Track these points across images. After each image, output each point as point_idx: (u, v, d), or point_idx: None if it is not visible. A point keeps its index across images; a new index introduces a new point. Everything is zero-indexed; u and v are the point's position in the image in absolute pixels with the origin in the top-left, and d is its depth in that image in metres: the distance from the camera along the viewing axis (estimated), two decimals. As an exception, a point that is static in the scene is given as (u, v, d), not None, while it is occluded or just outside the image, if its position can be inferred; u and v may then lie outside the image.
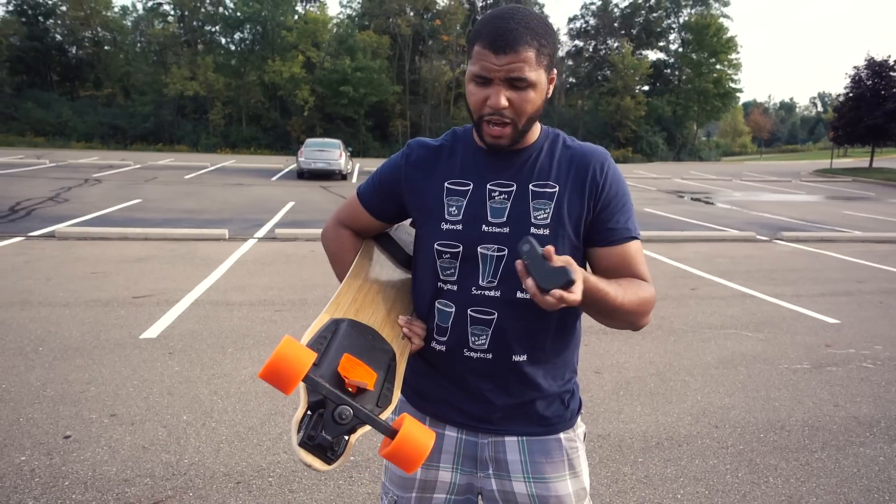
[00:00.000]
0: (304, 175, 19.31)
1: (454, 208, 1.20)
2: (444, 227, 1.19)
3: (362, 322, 1.19)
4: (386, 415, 1.06)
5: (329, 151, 19.47)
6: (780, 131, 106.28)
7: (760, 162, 50.35)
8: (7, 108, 37.22)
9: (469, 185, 1.20)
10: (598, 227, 1.19)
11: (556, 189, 1.18)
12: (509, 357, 1.20)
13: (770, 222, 12.23)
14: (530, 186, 1.18)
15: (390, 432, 0.98)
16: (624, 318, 1.14)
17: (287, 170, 22.54)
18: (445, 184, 1.22)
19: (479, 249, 1.17)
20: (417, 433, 0.98)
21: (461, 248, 1.18)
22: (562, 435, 1.27)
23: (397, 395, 1.12)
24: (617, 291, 1.09)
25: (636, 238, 1.22)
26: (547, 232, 1.16)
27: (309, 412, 0.99)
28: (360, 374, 1.05)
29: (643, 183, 22.43)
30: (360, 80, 38.53)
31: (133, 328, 4.57)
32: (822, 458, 3.03)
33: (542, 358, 1.23)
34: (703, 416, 3.47)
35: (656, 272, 7.21)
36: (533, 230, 1.16)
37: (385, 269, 1.38)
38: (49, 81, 42.95)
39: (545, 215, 1.17)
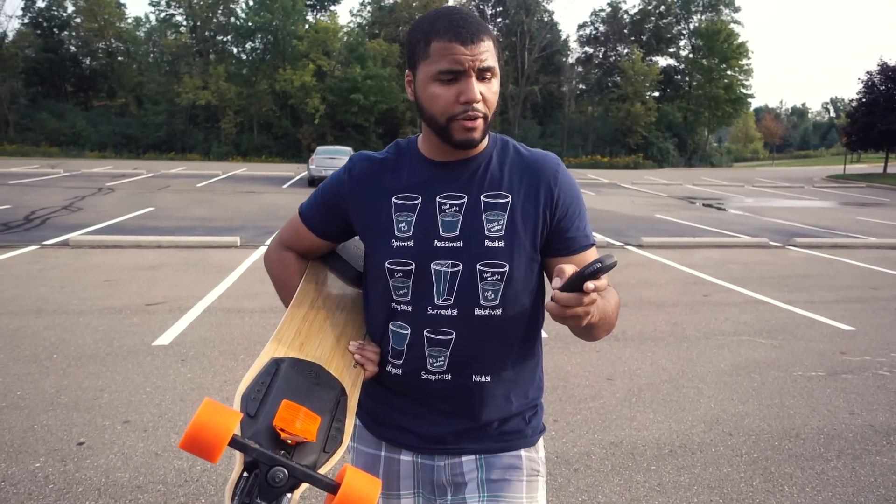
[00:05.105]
0: (315, 182, 19.42)
1: (404, 224, 1.13)
2: (395, 244, 1.13)
3: (306, 358, 1.11)
4: (337, 457, 1.00)
5: (340, 159, 19.57)
6: (793, 137, 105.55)
7: (772, 168, 50.01)
8: (22, 118, 37.77)
9: (417, 198, 1.14)
10: (557, 237, 1.15)
11: (510, 199, 1.12)
12: (469, 378, 1.15)
13: (783, 228, 12.14)
14: (482, 197, 1.12)
15: (331, 488, 0.90)
16: (606, 326, 1.09)
17: (298, 177, 22.68)
18: (393, 199, 1.15)
19: (432, 266, 1.11)
20: (361, 486, 0.89)
21: (414, 266, 1.12)
22: (522, 452, 1.21)
23: (349, 431, 1.05)
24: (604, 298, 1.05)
25: (594, 244, 1.19)
26: (502, 244, 1.11)
27: (245, 473, 0.91)
28: (300, 422, 0.96)
29: (654, 189, 22.35)
30: (371, 88, 38.72)
31: (146, 335, 4.60)
32: (838, 467, 2.99)
33: (504, 377, 1.17)
34: (717, 423, 3.44)
35: (668, 278, 7.17)
36: (487, 243, 1.11)
37: (334, 290, 1.30)
38: (63, 92, 43.53)
39: (499, 227, 1.11)
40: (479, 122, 1.06)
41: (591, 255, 1.16)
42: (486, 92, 1.06)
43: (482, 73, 1.05)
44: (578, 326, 0.96)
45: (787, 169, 45.61)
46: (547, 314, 1.20)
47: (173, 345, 4.43)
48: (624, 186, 23.19)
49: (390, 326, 1.17)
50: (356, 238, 1.30)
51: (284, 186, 19.43)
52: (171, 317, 5.07)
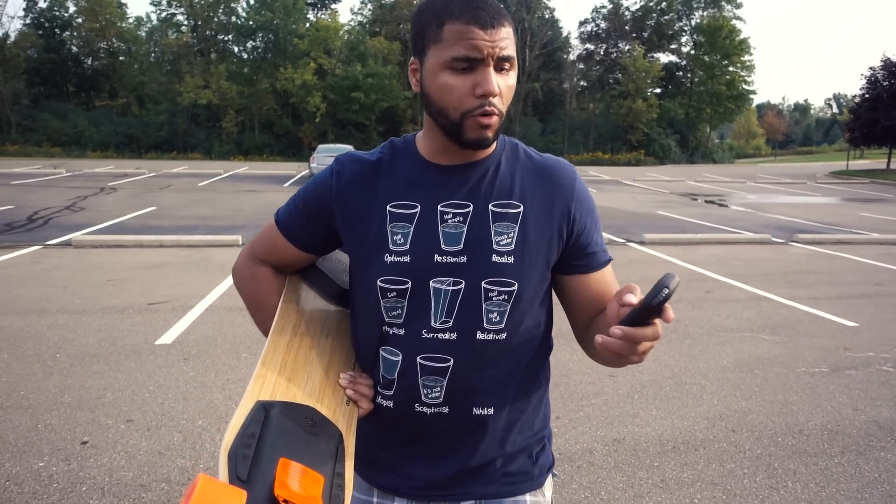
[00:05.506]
0: (317, 181, 19.43)
1: (399, 236, 0.99)
2: (389, 259, 0.99)
3: (297, 401, 0.96)
4: None
5: (341, 157, 19.59)
6: (795, 133, 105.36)
7: (775, 164, 49.93)
8: (24, 119, 37.88)
9: (416, 207, 1.00)
10: (575, 254, 1.04)
11: (521, 209, 1.00)
12: (469, 410, 1.02)
13: (785, 224, 12.12)
14: (490, 206, 0.99)
15: None
16: None
17: (299, 175, 22.68)
18: (388, 207, 1.01)
19: (431, 284, 0.98)
20: None
21: (410, 284, 0.98)
22: (528, 497, 1.09)
23: (350, 486, 0.90)
24: None
25: (612, 259, 1.10)
26: (511, 260, 0.98)
27: None
28: (303, 486, 0.82)
29: (656, 186, 22.31)
30: (371, 86, 38.74)
31: (148, 334, 4.61)
32: (841, 463, 2.99)
33: (508, 409, 1.05)
34: (720, 419, 3.43)
35: (670, 275, 7.15)
36: (495, 258, 0.98)
37: (316, 311, 1.15)
38: (65, 92, 43.64)
39: (509, 240, 0.98)
40: (495, 120, 0.94)
41: (608, 272, 1.07)
42: (504, 85, 0.94)
43: (500, 63, 0.92)
44: (639, 362, 0.85)
45: (790, 165, 45.53)
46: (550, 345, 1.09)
47: (176, 344, 4.43)
48: (626, 183, 23.17)
49: (381, 352, 1.03)
50: (338, 250, 1.16)
51: (286, 185, 19.43)
52: (174, 316, 5.08)
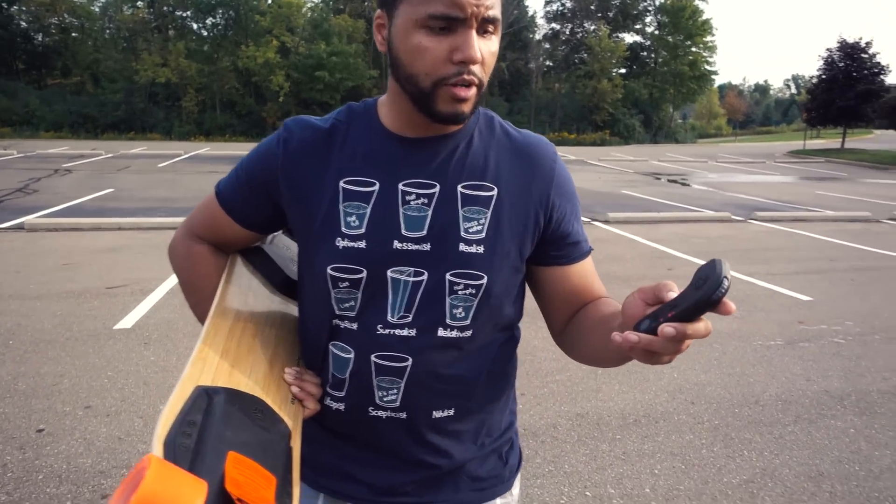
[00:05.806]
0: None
1: (354, 218, 0.87)
2: (341, 244, 0.87)
3: (243, 389, 0.83)
4: None
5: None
6: (755, 113, 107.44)
7: (735, 144, 50.90)
8: (-29, 97, 36.23)
9: (374, 184, 0.88)
10: (555, 244, 0.94)
11: (495, 192, 0.89)
12: (429, 414, 0.92)
13: (745, 203, 12.39)
14: (459, 188, 0.88)
15: None
16: None
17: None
18: (341, 183, 0.88)
19: (389, 274, 0.87)
20: None
21: (365, 274, 0.87)
22: (499, 501, 1.01)
23: (297, 492, 0.80)
24: None
25: (592, 249, 1.00)
26: (481, 250, 0.87)
27: None
28: (255, 489, 0.70)
29: (620, 165, 22.56)
30: (336, 65, 38.13)
31: (107, 319, 4.50)
32: (794, 431, 3.10)
33: (472, 411, 0.95)
34: (680, 392, 3.52)
35: (634, 253, 7.27)
36: (462, 247, 0.87)
37: (261, 297, 1.03)
38: (14, 70, 41.78)
39: (479, 227, 0.87)
40: (473, 92, 0.82)
41: (589, 263, 0.99)
42: (486, 51, 0.81)
43: (485, 25, 0.80)
44: (668, 363, 0.74)
45: (750, 145, 46.48)
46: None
47: (136, 328, 4.34)
48: (591, 163, 23.36)
49: (331, 348, 0.92)
50: (286, 231, 1.05)
51: (249, 166, 19.09)
52: (133, 300, 4.97)
